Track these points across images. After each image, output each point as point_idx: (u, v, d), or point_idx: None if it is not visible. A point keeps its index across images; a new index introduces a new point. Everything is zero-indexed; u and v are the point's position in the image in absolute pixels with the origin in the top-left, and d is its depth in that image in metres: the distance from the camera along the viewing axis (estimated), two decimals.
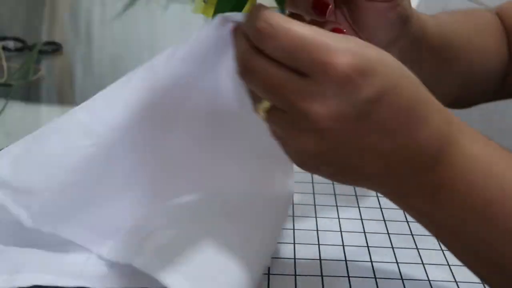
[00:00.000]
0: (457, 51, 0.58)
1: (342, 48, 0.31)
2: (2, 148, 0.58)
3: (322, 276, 0.43)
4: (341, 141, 0.32)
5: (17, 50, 0.94)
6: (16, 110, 0.75)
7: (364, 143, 0.32)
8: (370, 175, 0.34)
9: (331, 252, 0.46)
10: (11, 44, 0.94)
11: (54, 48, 0.96)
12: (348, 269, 0.44)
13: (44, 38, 1.08)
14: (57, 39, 1.04)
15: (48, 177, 0.40)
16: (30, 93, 0.82)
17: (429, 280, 0.44)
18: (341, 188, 0.56)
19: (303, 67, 0.31)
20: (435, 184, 0.34)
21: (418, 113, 0.33)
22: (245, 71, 0.34)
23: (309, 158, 0.34)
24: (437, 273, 0.44)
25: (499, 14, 0.69)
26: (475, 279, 0.44)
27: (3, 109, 0.72)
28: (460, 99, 0.64)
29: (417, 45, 0.51)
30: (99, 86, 0.95)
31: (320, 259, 0.45)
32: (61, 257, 0.41)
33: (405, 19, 0.45)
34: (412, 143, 0.33)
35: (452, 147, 0.34)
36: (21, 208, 0.40)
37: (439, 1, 1.76)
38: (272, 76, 0.32)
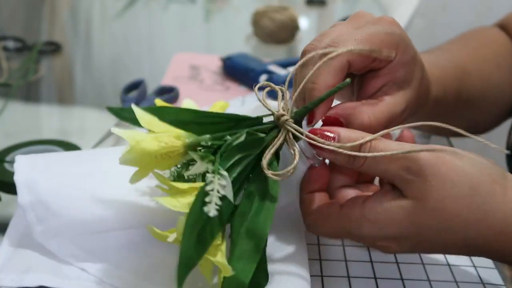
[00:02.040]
0: (473, 101, 0.60)
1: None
2: (2, 148, 0.58)
3: (322, 276, 0.43)
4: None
5: (17, 50, 0.94)
6: (16, 110, 0.75)
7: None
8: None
9: (331, 252, 0.46)
10: (11, 44, 0.94)
11: (53, 48, 0.96)
12: (348, 269, 0.44)
13: (44, 38, 1.08)
14: (57, 39, 1.04)
15: (74, 206, 0.41)
16: (30, 93, 0.82)
17: (429, 280, 0.44)
18: None
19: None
20: None
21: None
22: None
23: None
24: (437, 273, 0.44)
25: (504, 27, 0.68)
26: (475, 279, 0.44)
27: (3, 109, 0.72)
28: (475, 129, 0.67)
29: (439, 107, 0.53)
30: (99, 86, 0.95)
31: (320, 259, 0.45)
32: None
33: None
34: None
35: None
36: (38, 221, 0.40)
37: (439, 1, 1.76)
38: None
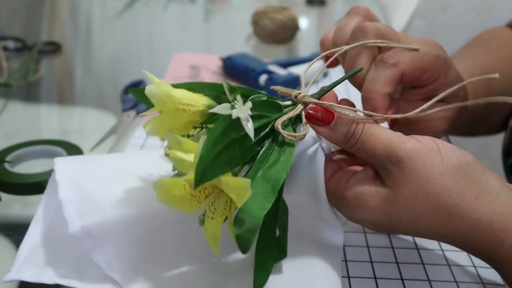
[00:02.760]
0: (496, 105, 0.62)
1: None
2: (2, 148, 0.58)
3: None
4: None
5: (17, 50, 0.94)
6: (16, 110, 0.75)
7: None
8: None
9: None
10: (11, 44, 0.94)
11: (54, 48, 0.96)
12: (348, 269, 0.44)
13: (44, 38, 1.08)
14: (57, 39, 1.04)
15: (117, 203, 0.40)
16: (30, 93, 0.82)
17: (429, 280, 0.44)
18: None
19: None
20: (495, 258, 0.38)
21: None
22: None
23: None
24: (437, 273, 0.45)
25: None
26: (475, 279, 0.44)
27: (3, 109, 0.72)
28: (490, 130, 0.70)
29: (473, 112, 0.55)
30: (99, 86, 0.95)
31: None
32: (89, 260, 0.40)
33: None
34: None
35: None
36: (78, 216, 0.39)
37: (439, 1, 1.76)
38: None
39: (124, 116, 0.66)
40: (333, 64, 0.48)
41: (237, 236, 0.33)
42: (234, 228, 0.34)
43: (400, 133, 0.39)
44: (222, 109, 0.36)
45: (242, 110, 0.35)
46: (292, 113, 0.40)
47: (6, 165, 0.55)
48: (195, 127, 0.40)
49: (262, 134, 0.38)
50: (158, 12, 1.26)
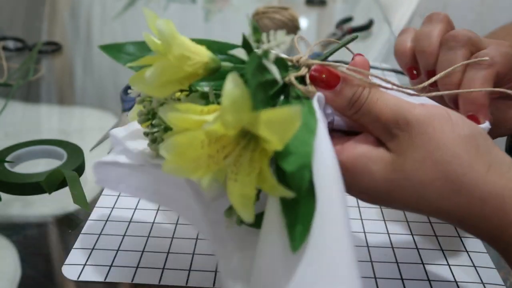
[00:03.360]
0: None
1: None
2: (2, 148, 0.58)
3: None
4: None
5: (17, 50, 0.94)
6: (16, 110, 0.75)
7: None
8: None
9: None
10: (11, 44, 0.94)
11: (54, 48, 0.96)
12: None
13: (44, 38, 1.08)
14: (57, 39, 1.04)
15: None
16: (30, 93, 0.82)
17: (429, 280, 0.44)
18: None
19: None
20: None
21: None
22: None
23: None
24: (437, 273, 0.45)
25: None
26: (475, 279, 0.44)
27: (3, 109, 0.72)
28: None
29: None
30: (99, 86, 0.95)
31: None
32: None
33: None
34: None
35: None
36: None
37: (439, 1, 1.76)
38: None
39: (124, 116, 0.66)
40: (417, 75, 0.48)
41: (291, 174, 0.29)
42: (286, 166, 0.30)
43: (405, 100, 0.37)
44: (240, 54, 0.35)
45: (283, 40, 0.33)
46: (298, 74, 0.38)
47: (6, 165, 0.55)
48: (181, 91, 0.38)
49: (276, 88, 0.36)
50: (158, 12, 1.26)
